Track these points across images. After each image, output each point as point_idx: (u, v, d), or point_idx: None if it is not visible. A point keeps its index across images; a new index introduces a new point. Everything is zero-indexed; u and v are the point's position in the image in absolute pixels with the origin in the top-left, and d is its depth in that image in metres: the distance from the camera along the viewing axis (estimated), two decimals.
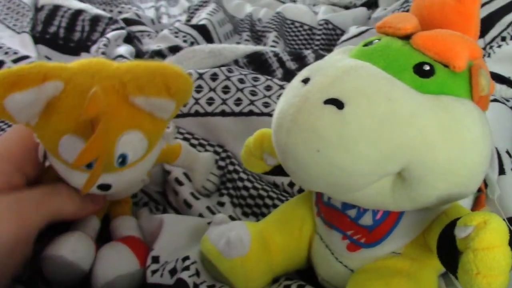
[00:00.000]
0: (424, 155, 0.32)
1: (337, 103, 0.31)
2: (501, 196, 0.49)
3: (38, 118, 0.40)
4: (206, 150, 0.60)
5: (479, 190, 0.46)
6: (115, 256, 0.46)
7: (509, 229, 0.43)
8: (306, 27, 1.12)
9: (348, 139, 0.31)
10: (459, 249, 0.31)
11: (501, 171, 0.52)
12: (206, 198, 0.57)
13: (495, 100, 0.62)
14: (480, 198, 0.46)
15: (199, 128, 0.63)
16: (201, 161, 0.57)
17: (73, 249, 0.44)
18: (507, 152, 0.55)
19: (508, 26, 0.82)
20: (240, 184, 0.58)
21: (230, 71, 0.64)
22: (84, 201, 0.46)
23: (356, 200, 0.36)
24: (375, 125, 0.31)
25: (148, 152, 0.44)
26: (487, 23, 0.87)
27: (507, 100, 0.64)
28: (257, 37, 1.12)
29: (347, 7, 1.31)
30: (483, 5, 0.90)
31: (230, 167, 0.59)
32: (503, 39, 0.82)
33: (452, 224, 0.33)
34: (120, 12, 1.28)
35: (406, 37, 0.37)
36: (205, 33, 1.05)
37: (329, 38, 1.07)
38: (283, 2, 1.36)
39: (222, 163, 0.60)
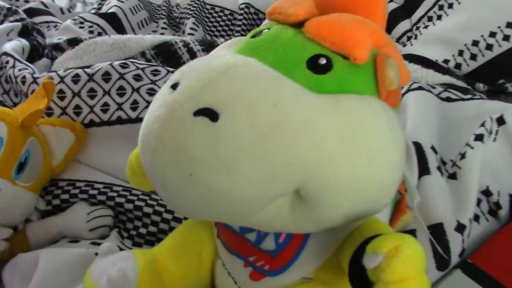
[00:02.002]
0: (322, 170, 0.27)
1: (211, 114, 0.25)
2: (425, 199, 0.45)
3: None
4: (71, 195, 0.54)
5: (400, 193, 0.42)
6: None
7: (431, 243, 0.38)
8: (227, 12, 1.05)
9: (225, 158, 0.25)
10: (370, 279, 0.27)
11: (426, 171, 0.48)
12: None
13: (420, 88, 0.58)
14: (401, 203, 0.41)
15: (90, 143, 0.57)
16: (64, 220, 0.53)
17: None
18: (432, 148, 0.50)
19: (434, 4, 0.78)
20: (129, 214, 0.52)
21: (124, 66, 0.56)
22: None
23: (252, 224, 0.31)
24: (258, 139, 0.25)
25: (34, 184, 0.51)
26: (413, 2, 0.84)
27: (433, 87, 0.60)
28: (175, 24, 1.04)
29: None
30: None
31: (112, 198, 0.53)
32: (430, 19, 0.78)
33: (364, 246, 0.28)
34: (27, 1, 1.16)
35: (300, 25, 0.31)
36: (115, 22, 0.96)
37: (251, 23, 1.00)
38: None
39: (101, 198, 0.53)
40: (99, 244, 0.49)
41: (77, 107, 0.56)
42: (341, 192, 0.27)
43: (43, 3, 1.12)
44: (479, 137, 0.50)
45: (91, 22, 0.93)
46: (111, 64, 0.57)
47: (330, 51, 0.29)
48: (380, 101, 0.30)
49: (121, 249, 0.43)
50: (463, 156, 0.49)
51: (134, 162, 0.38)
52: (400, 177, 0.30)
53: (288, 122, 0.26)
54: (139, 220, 0.51)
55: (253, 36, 0.32)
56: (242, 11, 1.01)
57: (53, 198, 0.54)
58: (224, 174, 0.25)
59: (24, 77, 0.59)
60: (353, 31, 0.29)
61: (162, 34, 0.99)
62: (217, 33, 1.01)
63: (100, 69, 0.56)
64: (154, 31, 1.01)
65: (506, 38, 0.66)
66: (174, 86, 0.28)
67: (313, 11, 0.32)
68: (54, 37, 0.94)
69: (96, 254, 0.45)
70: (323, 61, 0.29)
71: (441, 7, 0.76)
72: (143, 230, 0.50)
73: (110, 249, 0.41)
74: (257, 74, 0.27)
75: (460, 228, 0.43)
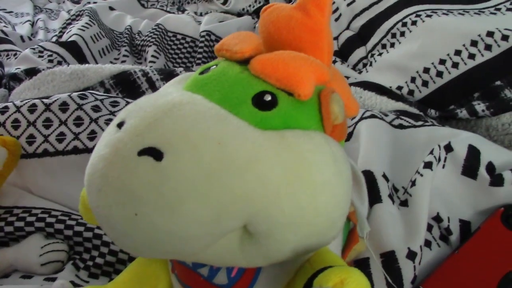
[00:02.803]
0: (268, 206, 0.26)
1: (155, 153, 0.25)
2: (377, 228, 0.45)
3: None
4: (27, 223, 0.52)
5: (352, 222, 0.42)
6: None
7: (384, 274, 0.39)
8: (188, 39, 1.06)
9: (170, 198, 0.25)
10: None
11: (377, 199, 0.48)
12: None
13: (372, 116, 0.59)
14: (354, 232, 0.42)
15: (43, 174, 0.55)
16: (16, 252, 0.50)
17: None
18: (384, 176, 0.51)
19: (387, 32, 0.80)
20: (87, 244, 0.51)
21: (82, 97, 0.56)
22: None
23: (202, 260, 0.31)
24: (203, 178, 0.25)
25: None
26: (368, 30, 0.85)
27: (386, 115, 0.61)
28: (137, 52, 1.04)
29: (240, 14, 1.26)
30: (362, 11, 0.88)
31: (71, 227, 0.51)
32: (384, 46, 0.80)
33: (312, 280, 0.28)
34: None
35: (247, 62, 0.31)
36: (75, 50, 0.95)
37: (212, 51, 1.01)
38: (170, 12, 1.28)
39: (59, 226, 0.51)
40: (53, 280, 0.47)
41: (31, 136, 0.55)
42: (288, 227, 0.27)
43: (2, 31, 1.10)
44: (428, 165, 0.51)
45: (51, 50, 0.91)
46: (69, 95, 0.56)
47: (275, 88, 0.29)
48: (325, 136, 0.30)
49: (75, 284, 0.42)
50: (413, 183, 0.50)
51: (87, 198, 0.38)
52: (347, 210, 0.31)
53: (232, 160, 0.25)
54: (96, 249, 0.49)
55: (202, 73, 0.32)
56: (203, 39, 1.01)
57: (6, 225, 0.51)
58: (169, 214, 0.25)
59: None
60: (297, 68, 0.30)
61: (123, 62, 0.98)
62: (179, 61, 1.01)
63: (57, 99, 0.56)
64: (116, 59, 1.01)
65: (455, 65, 0.67)
66: (120, 125, 0.28)
67: (259, 48, 0.32)
68: (13, 66, 0.92)
69: None
70: (268, 97, 0.29)
71: (393, 35, 0.78)
72: (100, 260, 0.49)
73: (63, 287, 0.40)
74: (202, 112, 0.27)
75: (411, 255, 0.44)
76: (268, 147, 0.27)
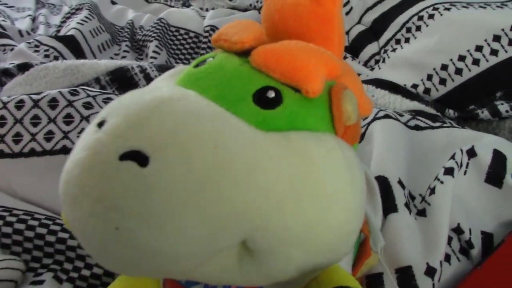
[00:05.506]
0: (270, 221, 0.23)
1: (139, 158, 0.22)
2: (392, 240, 0.42)
3: None
4: (5, 222, 0.48)
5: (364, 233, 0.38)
6: None
7: None
8: (192, 35, 1.02)
9: (156, 211, 0.21)
10: None
11: (392, 208, 0.45)
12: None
13: (386, 116, 0.55)
14: (365, 244, 0.38)
15: (29, 175, 0.52)
16: None
17: None
18: (399, 182, 0.47)
19: (402, 27, 0.77)
20: (70, 253, 0.47)
21: (73, 93, 0.53)
22: None
23: (195, 278, 0.27)
24: (195, 187, 0.22)
25: None
26: (381, 24, 0.82)
27: (401, 115, 0.57)
28: (138, 47, 1.00)
29: (246, 10, 1.23)
30: (375, 4, 0.85)
31: (54, 233, 0.47)
32: (398, 41, 0.77)
33: None
34: None
35: (247, 53, 0.27)
36: (73, 45, 0.91)
37: None
38: (174, 7, 1.25)
39: (41, 231, 0.48)
40: None
41: (17, 134, 0.52)
42: (293, 243, 0.24)
43: (0, 26, 1.07)
44: (449, 171, 0.47)
45: (47, 45, 0.87)
46: (59, 91, 0.53)
47: (280, 83, 0.26)
48: (337, 139, 0.27)
49: None
50: (432, 191, 0.47)
51: None
52: (361, 223, 0.27)
53: (230, 166, 0.22)
54: (81, 260, 0.46)
55: (197, 66, 0.29)
56: (207, 34, 0.98)
57: None
58: (156, 229, 0.21)
59: None
60: (305, 61, 0.26)
61: (124, 57, 0.95)
62: (182, 57, 0.98)
63: (47, 95, 0.53)
64: (116, 55, 0.97)
65: (475, 62, 0.64)
66: (100, 125, 0.24)
67: (261, 38, 0.29)
68: (7, 61, 0.89)
69: None
70: (271, 94, 0.26)
71: (409, 30, 0.75)
72: (86, 272, 0.45)
73: None
74: (195, 110, 0.24)
75: (430, 271, 0.40)
76: (271, 151, 0.24)
